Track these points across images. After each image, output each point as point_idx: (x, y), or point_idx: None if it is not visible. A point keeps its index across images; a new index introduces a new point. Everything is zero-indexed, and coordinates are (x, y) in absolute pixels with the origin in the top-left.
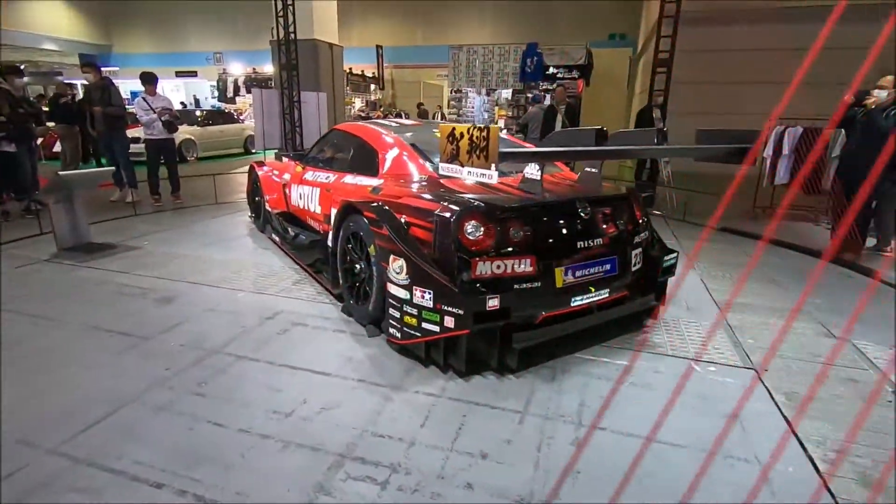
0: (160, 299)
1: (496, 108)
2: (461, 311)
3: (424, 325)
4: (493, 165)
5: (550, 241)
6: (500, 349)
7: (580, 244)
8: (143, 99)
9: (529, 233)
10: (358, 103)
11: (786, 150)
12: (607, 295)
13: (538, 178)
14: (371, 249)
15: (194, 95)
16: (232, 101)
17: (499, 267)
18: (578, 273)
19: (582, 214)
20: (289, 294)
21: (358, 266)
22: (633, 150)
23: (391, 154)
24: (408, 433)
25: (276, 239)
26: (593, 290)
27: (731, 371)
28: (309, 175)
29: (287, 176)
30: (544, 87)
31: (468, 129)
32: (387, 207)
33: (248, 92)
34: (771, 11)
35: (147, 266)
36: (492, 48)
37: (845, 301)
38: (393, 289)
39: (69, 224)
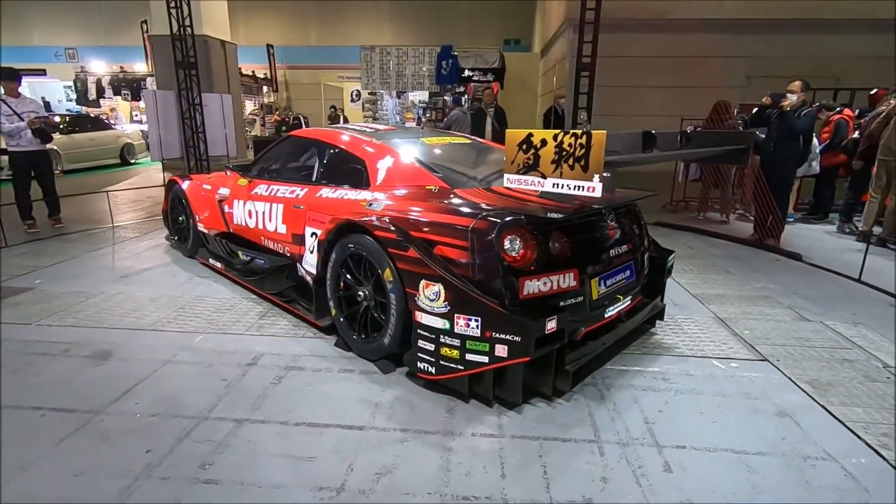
0: (91, 356)
1: (405, 111)
2: (518, 338)
3: (469, 356)
4: (596, 177)
5: (586, 251)
6: (554, 373)
7: (611, 252)
8: (3, 101)
9: (567, 244)
10: (249, 106)
11: None
12: (630, 302)
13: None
14: (386, 274)
15: (43, 97)
16: (95, 103)
17: (545, 284)
18: (608, 282)
19: (610, 222)
20: (260, 331)
21: (362, 293)
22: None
23: (384, 163)
24: (492, 489)
25: (217, 265)
26: (620, 298)
27: (750, 365)
28: (261, 189)
29: (224, 191)
30: (460, 89)
31: (555, 136)
32: (406, 226)
33: (117, 94)
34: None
35: (53, 312)
36: (406, 49)
37: (793, 284)
38: (424, 318)
39: None
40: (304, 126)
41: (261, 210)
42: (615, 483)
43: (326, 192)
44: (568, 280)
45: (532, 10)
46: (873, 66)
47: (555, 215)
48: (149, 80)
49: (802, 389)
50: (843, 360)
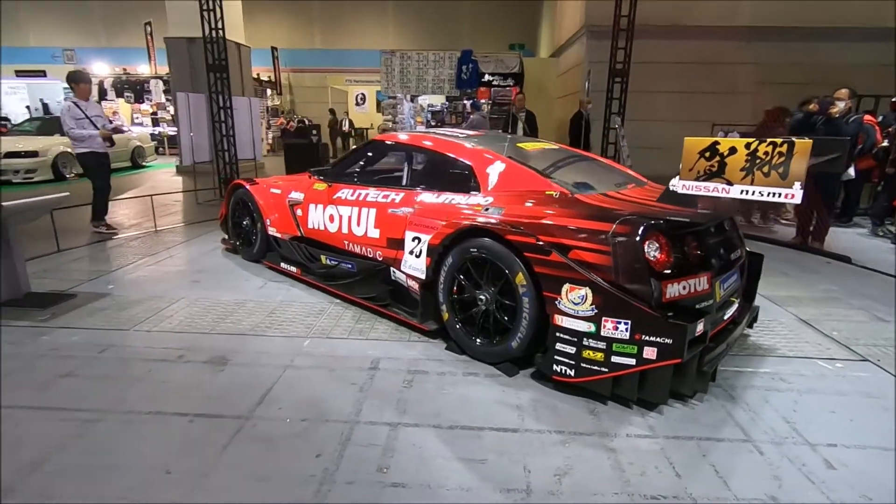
0: (209, 361)
1: (415, 115)
2: (670, 340)
3: (615, 359)
4: (797, 184)
5: (709, 255)
6: (698, 374)
7: (731, 256)
8: (76, 105)
9: (696, 248)
10: None
11: None
12: (737, 305)
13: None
14: (518, 278)
15: (41, 99)
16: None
17: (685, 287)
18: (726, 285)
19: (725, 225)
20: (363, 335)
21: (484, 296)
22: None
23: (495, 168)
24: (674, 488)
25: (292, 269)
26: (734, 300)
27: (854, 365)
28: (345, 194)
29: (297, 195)
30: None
31: (747, 145)
32: (542, 230)
33: (120, 96)
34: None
35: (144, 318)
36: (426, 54)
37: (854, 286)
38: (566, 321)
39: (6, 271)
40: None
41: (346, 214)
42: (788, 481)
43: (428, 196)
44: (702, 283)
45: (537, 15)
46: (877, 73)
47: (695, 220)
48: (152, 82)
49: None
50: None
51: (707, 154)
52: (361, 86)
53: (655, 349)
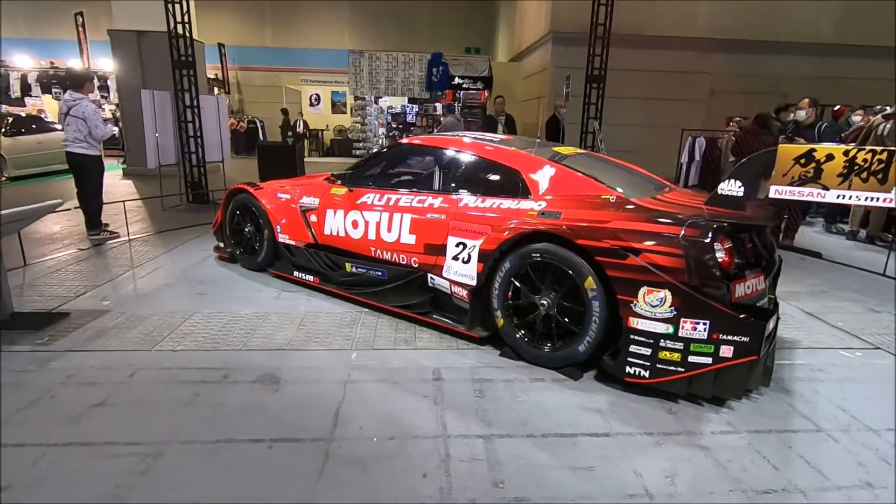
0: (258, 381)
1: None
2: (747, 338)
3: (692, 358)
4: (895, 189)
5: (762, 255)
6: (764, 369)
7: (774, 256)
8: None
9: (750, 249)
10: None
11: (697, 156)
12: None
13: (740, 194)
14: (587, 282)
15: None
16: (19, 102)
17: (749, 287)
18: (764, 284)
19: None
20: (409, 345)
21: (546, 301)
22: None
23: (545, 173)
24: (779, 480)
25: (308, 278)
26: (772, 297)
27: (872, 353)
28: (372, 199)
29: (310, 200)
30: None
31: (845, 152)
32: (611, 235)
33: (46, 91)
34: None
35: (161, 337)
36: (395, 55)
37: (835, 279)
38: (642, 324)
39: None
40: (260, 130)
41: (373, 220)
42: (873, 467)
43: (472, 201)
44: (760, 283)
45: (493, 19)
46: (817, 84)
47: (757, 222)
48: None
49: None
50: None
51: (802, 160)
52: (317, 86)
53: (732, 347)
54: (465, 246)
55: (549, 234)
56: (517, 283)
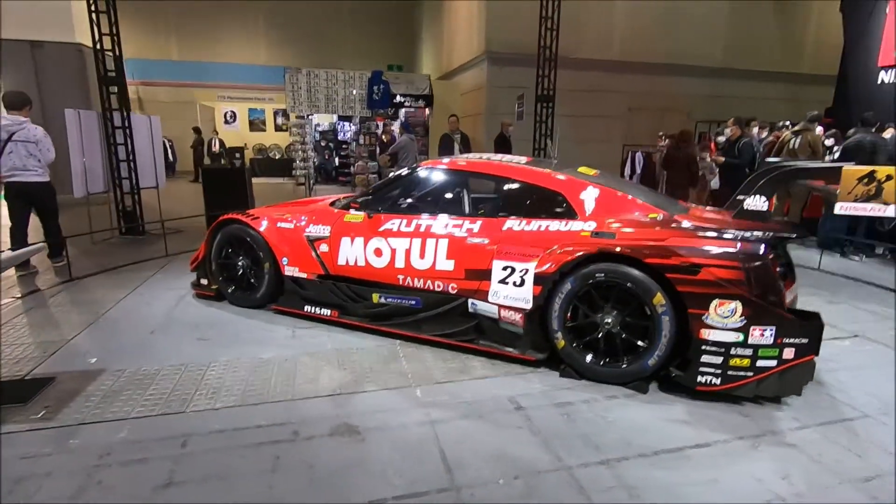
0: (336, 434)
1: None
2: (806, 339)
3: (760, 363)
4: None
5: (789, 265)
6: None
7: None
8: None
9: (785, 259)
10: None
11: (637, 169)
12: None
13: (765, 209)
14: (656, 299)
15: None
16: None
17: (791, 293)
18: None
19: None
20: (466, 374)
21: (610, 319)
22: None
23: (590, 194)
24: (870, 467)
25: (325, 312)
26: None
27: (854, 341)
28: (398, 225)
29: (318, 229)
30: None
31: None
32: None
33: None
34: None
35: (189, 394)
36: (335, 73)
37: None
38: (713, 334)
39: None
40: (169, 151)
41: (401, 247)
42: None
43: (516, 224)
44: (795, 289)
45: (415, 37)
46: (710, 103)
47: (798, 234)
48: None
49: None
50: None
51: (865, 180)
52: (233, 102)
53: (794, 349)
54: (513, 270)
55: (613, 253)
56: (578, 304)
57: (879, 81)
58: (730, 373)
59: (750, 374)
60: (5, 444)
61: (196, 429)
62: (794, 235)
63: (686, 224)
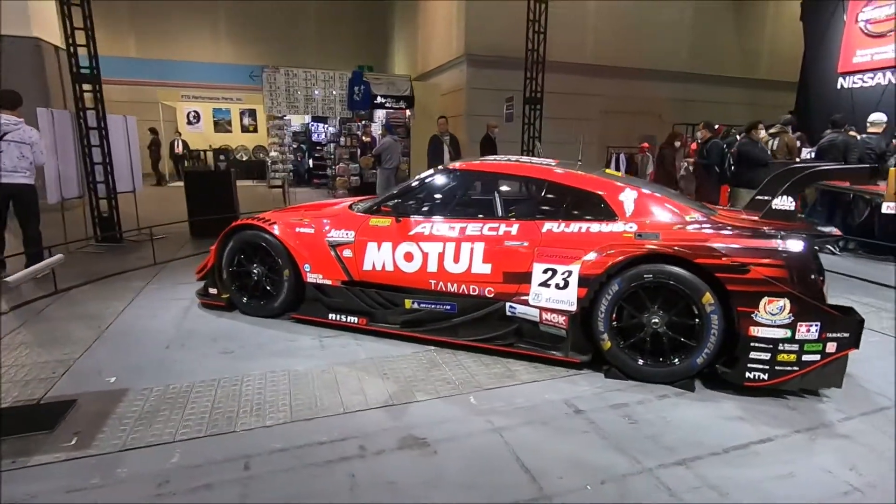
0: (404, 447)
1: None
2: (848, 334)
3: (805, 357)
4: None
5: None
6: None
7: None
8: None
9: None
10: None
11: (621, 170)
12: None
13: (792, 208)
14: (705, 298)
15: None
16: None
17: (827, 290)
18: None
19: None
20: (513, 379)
21: (657, 319)
22: None
23: (629, 196)
24: None
25: (353, 319)
26: None
27: None
28: (429, 228)
29: (341, 234)
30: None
31: None
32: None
33: None
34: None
35: (233, 412)
36: (315, 72)
37: None
38: (761, 331)
39: None
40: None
41: (433, 251)
42: None
43: (555, 227)
44: (827, 286)
45: (387, 38)
46: (677, 106)
47: (831, 233)
48: None
49: None
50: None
51: None
52: (196, 102)
53: (836, 343)
54: (555, 272)
55: (661, 254)
56: (622, 305)
57: (839, 87)
58: (777, 368)
59: (796, 368)
60: (41, 476)
61: (254, 449)
62: (833, 233)
63: (723, 224)
